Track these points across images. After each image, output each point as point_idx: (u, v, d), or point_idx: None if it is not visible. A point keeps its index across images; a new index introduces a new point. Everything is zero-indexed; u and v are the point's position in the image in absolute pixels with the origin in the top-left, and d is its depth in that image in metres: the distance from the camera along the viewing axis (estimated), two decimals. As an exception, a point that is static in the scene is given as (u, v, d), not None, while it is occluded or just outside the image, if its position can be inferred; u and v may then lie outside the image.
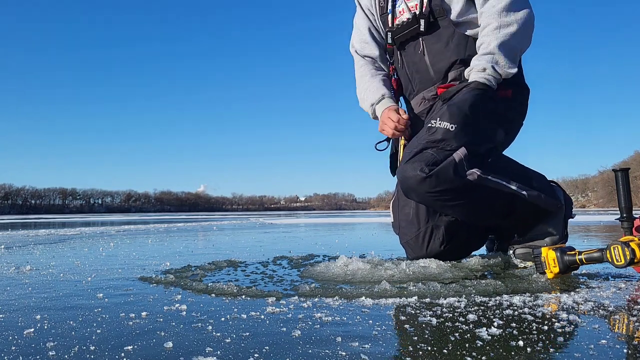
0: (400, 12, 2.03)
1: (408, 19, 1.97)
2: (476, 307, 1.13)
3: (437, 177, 1.61)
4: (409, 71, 2.03)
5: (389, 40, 2.08)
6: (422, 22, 1.94)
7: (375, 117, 2.09)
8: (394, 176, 2.17)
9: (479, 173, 1.65)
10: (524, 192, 1.71)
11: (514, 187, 1.70)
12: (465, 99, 1.72)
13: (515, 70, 1.78)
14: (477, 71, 1.76)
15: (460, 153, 1.64)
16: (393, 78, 2.15)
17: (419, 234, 1.90)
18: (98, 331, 0.98)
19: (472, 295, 1.27)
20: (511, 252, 1.84)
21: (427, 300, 1.23)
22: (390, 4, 2.07)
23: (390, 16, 2.08)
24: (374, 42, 2.17)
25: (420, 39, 1.96)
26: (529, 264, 1.74)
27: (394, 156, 2.15)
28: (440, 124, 1.70)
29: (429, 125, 1.73)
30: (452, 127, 1.68)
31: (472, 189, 1.66)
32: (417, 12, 1.95)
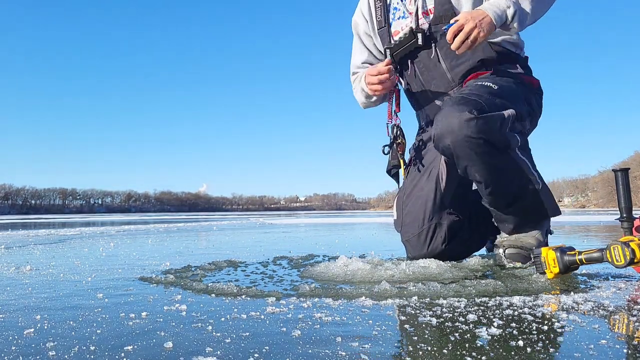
0: (403, 27, 1.98)
1: (405, 33, 1.93)
2: (476, 307, 1.12)
3: (484, 123, 1.55)
4: (424, 78, 1.98)
5: (388, 57, 2.02)
6: (419, 36, 1.90)
7: (369, 96, 2.13)
8: (389, 174, 2.14)
9: (518, 142, 1.64)
10: (540, 183, 1.71)
11: (535, 174, 1.70)
12: (503, 78, 1.72)
13: (522, 28, 1.74)
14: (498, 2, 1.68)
15: (509, 112, 1.61)
16: (396, 88, 2.11)
17: (422, 231, 1.90)
18: (98, 331, 0.98)
19: (472, 295, 1.27)
20: (501, 250, 1.81)
21: (427, 300, 1.23)
22: (386, 15, 2.03)
23: (387, 31, 2.04)
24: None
25: (433, 45, 1.91)
26: (518, 264, 1.73)
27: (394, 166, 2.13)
28: (486, 82, 1.69)
29: (476, 83, 1.72)
30: (495, 87, 1.67)
31: (505, 154, 1.63)
32: (414, 26, 1.92)
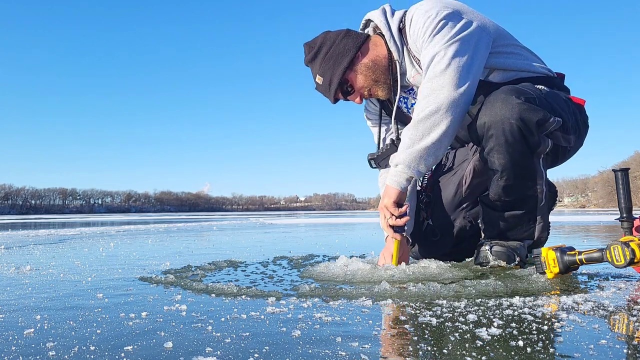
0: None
1: (387, 146, 1.89)
2: (476, 307, 1.12)
3: (527, 110, 1.54)
4: None
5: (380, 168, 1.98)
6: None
7: None
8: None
9: (547, 149, 1.62)
10: (544, 200, 1.69)
11: (544, 190, 1.68)
12: (553, 89, 1.72)
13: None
14: (394, 169, 1.64)
15: (556, 118, 1.60)
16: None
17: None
18: (98, 331, 0.98)
19: (472, 295, 1.27)
20: (487, 247, 1.77)
21: (427, 300, 1.23)
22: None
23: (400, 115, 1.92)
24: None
25: None
26: (503, 262, 1.72)
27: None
28: (538, 85, 1.68)
29: (530, 83, 1.69)
30: (547, 90, 1.67)
31: (530, 154, 1.61)
32: (395, 138, 1.88)
